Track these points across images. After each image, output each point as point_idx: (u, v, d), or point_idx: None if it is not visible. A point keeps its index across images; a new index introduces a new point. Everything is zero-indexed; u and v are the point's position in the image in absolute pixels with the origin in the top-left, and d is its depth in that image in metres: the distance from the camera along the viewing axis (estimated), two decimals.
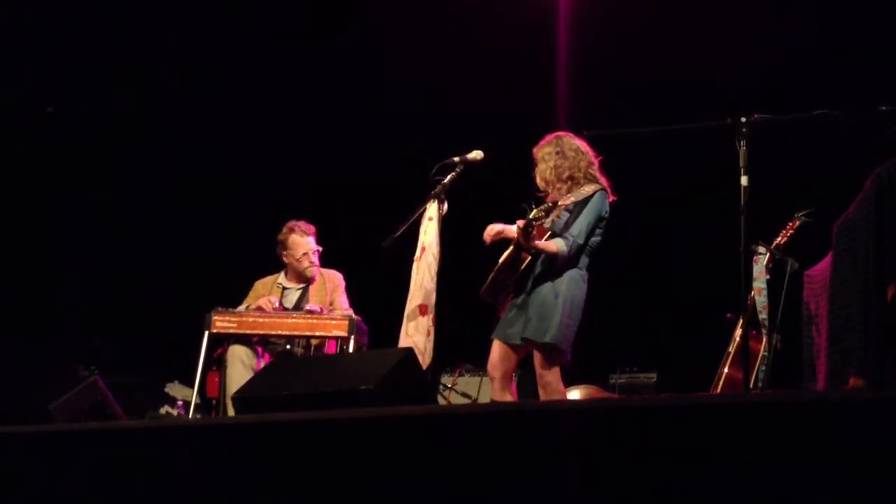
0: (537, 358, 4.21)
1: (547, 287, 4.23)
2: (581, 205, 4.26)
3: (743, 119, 3.65)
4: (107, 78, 7.34)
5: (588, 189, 4.30)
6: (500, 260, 4.32)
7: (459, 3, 6.65)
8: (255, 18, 7.21)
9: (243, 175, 7.37)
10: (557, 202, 4.23)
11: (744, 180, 3.60)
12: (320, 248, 5.50)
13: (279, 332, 5.19)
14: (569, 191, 4.31)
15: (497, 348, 4.31)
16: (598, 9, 6.29)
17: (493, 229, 4.39)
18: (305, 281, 5.52)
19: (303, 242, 5.45)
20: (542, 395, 4.22)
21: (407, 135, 6.72)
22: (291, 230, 5.47)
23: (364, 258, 5.38)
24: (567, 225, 4.24)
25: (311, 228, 5.49)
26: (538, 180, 4.41)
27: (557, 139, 4.42)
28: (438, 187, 4.34)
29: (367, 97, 7.03)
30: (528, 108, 6.13)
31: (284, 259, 5.52)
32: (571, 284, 4.24)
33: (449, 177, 4.39)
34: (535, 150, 4.46)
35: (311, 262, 5.46)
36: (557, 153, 4.37)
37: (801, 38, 5.79)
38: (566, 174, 4.34)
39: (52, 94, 7.45)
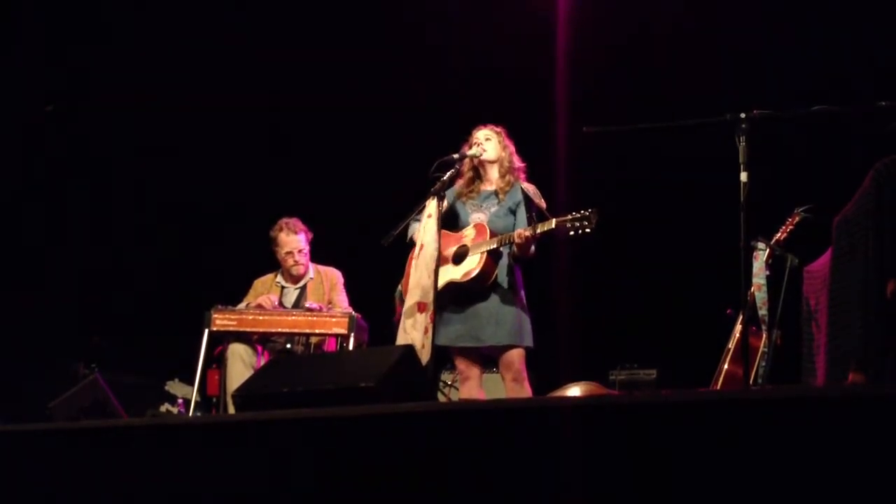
0: (515, 357, 4.37)
1: (510, 292, 4.40)
2: (524, 206, 4.47)
3: (742, 115, 3.64)
4: (107, 76, 7.35)
5: (529, 188, 4.50)
6: (470, 269, 4.35)
7: (459, 2, 6.65)
8: (255, 16, 7.21)
9: (243, 174, 7.36)
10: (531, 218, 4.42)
11: (743, 176, 3.59)
12: (308, 248, 5.49)
13: (279, 330, 5.19)
14: (507, 184, 4.52)
15: (464, 354, 4.45)
16: (597, 6, 6.29)
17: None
18: (298, 279, 5.52)
19: (289, 241, 5.45)
20: (515, 388, 4.37)
21: (406, 132, 6.72)
22: (281, 228, 5.47)
23: (364, 255, 5.37)
24: (517, 226, 4.43)
25: (301, 227, 5.48)
26: (492, 153, 4.55)
27: (507, 137, 4.63)
28: (438, 184, 4.33)
29: (366, 95, 7.03)
30: (528, 106, 6.13)
31: (276, 256, 5.53)
32: (520, 288, 4.46)
33: (448, 174, 4.39)
34: (494, 128, 4.62)
35: (295, 262, 5.45)
36: (513, 150, 4.61)
37: (800, 36, 5.79)
38: (513, 169, 4.56)
39: (52, 94, 7.46)
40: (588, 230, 4.08)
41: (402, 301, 4.47)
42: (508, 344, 4.35)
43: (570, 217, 4.12)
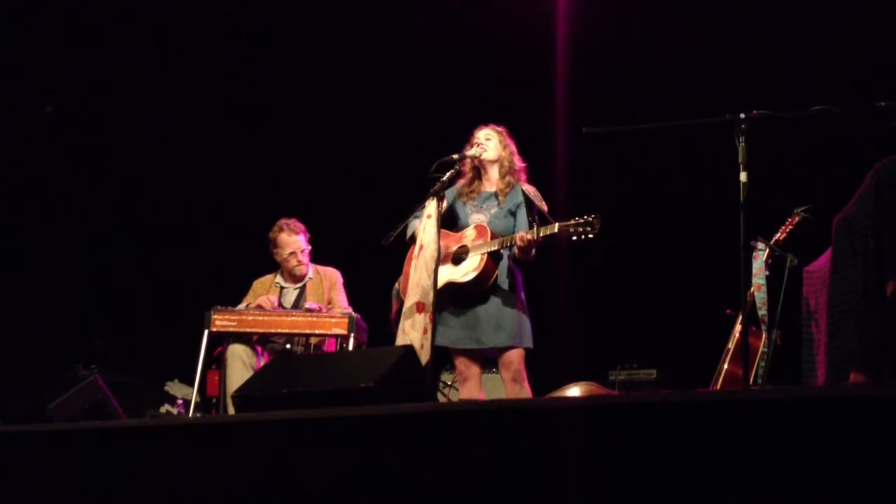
0: (514, 357, 4.37)
1: (510, 294, 4.40)
2: (525, 207, 4.47)
3: (742, 115, 3.64)
4: (106, 74, 7.35)
5: (530, 189, 4.50)
6: (470, 270, 4.35)
7: (459, 3, 6.64)
8: (255, 16, 7.22)
9: (242, 173, 7.37)
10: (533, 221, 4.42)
11: (743, 176, 3.59)
12: (309, 248, 5.50)
13: (279, 331, 5.20)
14: (507, 185, 4.51)
15: (464, 355, 4.44)
16: (597, 7, 6.29)
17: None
18: (300, 279, 5.52)
19: (291, 241, 5.45)
20: (514, 389, 4.37)
21: (406, 132, 6.72)
22: (281, 229, 5.48)
23: (363, 255, 5.37)
24: (517, 228, 4.44)
25: (301, 227, 5.50)
26: (492, 153, 4.55)
27: (509, 137, 4.63)
28: (438, 185, 4.33)
29: (365, 94, 7.03)
30: (527, 106, 6.13)
31: (276, 258, 5.53)
32: (520, 290, 4.46)
33: (448, 174, 4.39)
34: (495, 128, 4.62)
35: (298, 262, 5.46)
36: (514, 150, 4.60)
37: (800, 35, 5.79)
38: (514, 170, 4.55)
39: (52, 94, 7.47)
40: (591, 236, 4.08)
41: (399, 298, 4.47)
42: (508, 345, 4.35)
43: (573, 222, 4.12)
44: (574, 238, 4.11)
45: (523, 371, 4.38)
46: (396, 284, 4.57)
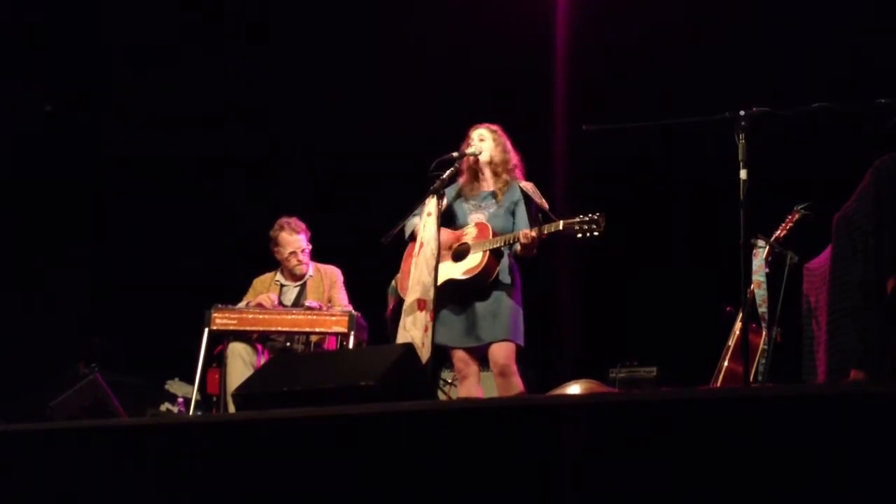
0: (500, 352, 4.35)
1: (509, 291, 4.40)
2: (524, 205, 4.47)
3: (742, 112, 3.64)
4: (105, 73, 7.35)
5: (528, 186, 4.50)
6: (471, 267, 4.35)
7: (459, 1, 6.64)
8: (254, 16, 7.22)
9: (241, 172, 7.36)
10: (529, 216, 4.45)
11: (743, 174, 3.59)
12: (309, 247, 5.50)
13: (279, 329, 5.20)
14: (503, 184, 4.51)
15: (461, 352, 4.43)
16: (597, 5, 6.29)
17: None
18: (300, 278, 5.52)
19: (291, 241, 5.45)
20: (504, 386, 4.36)
21: (405, 130, 6.72)
22: (282, 228, 5.48)
23: (363, 254, 5.37)
24: (516, 226, 4.44)
25: (301, 226, 5.49)
26: (486, 154, 4.54)
27: (504, 136, 4.62)
28: (437, 183, 4.34)
29: (365, 92, 7.02)
30: (527, 104, 6.13)
31: (277, 256, 5.53)
32: (519, 288, 4.46)
33: (447, 172, 4.39)
34: (490, 127, 4.62)
35: (299, 261, 5.46)
36: (508, 149, 4.60)
37: (800, 33, 5.79)
38: (509, 168, 4.55)
39: (52, 94, 7.47)
40: (596, 233, 4.08)
41: (396, 296, 4.48)
42: (499, 339, 4.34)
43: (577, 220, 4.11)
44: (579, 236, 4.11)
45: (512, 365, 4.35)
46: (393, 282, 4.58)
